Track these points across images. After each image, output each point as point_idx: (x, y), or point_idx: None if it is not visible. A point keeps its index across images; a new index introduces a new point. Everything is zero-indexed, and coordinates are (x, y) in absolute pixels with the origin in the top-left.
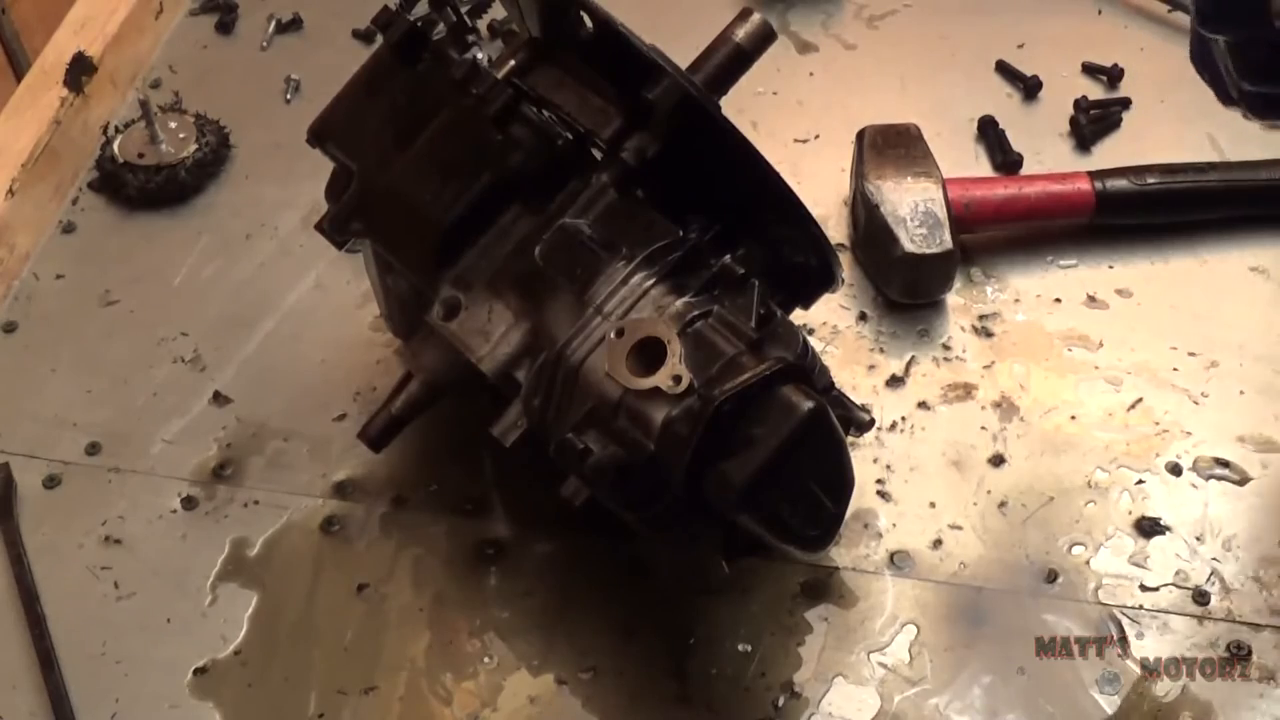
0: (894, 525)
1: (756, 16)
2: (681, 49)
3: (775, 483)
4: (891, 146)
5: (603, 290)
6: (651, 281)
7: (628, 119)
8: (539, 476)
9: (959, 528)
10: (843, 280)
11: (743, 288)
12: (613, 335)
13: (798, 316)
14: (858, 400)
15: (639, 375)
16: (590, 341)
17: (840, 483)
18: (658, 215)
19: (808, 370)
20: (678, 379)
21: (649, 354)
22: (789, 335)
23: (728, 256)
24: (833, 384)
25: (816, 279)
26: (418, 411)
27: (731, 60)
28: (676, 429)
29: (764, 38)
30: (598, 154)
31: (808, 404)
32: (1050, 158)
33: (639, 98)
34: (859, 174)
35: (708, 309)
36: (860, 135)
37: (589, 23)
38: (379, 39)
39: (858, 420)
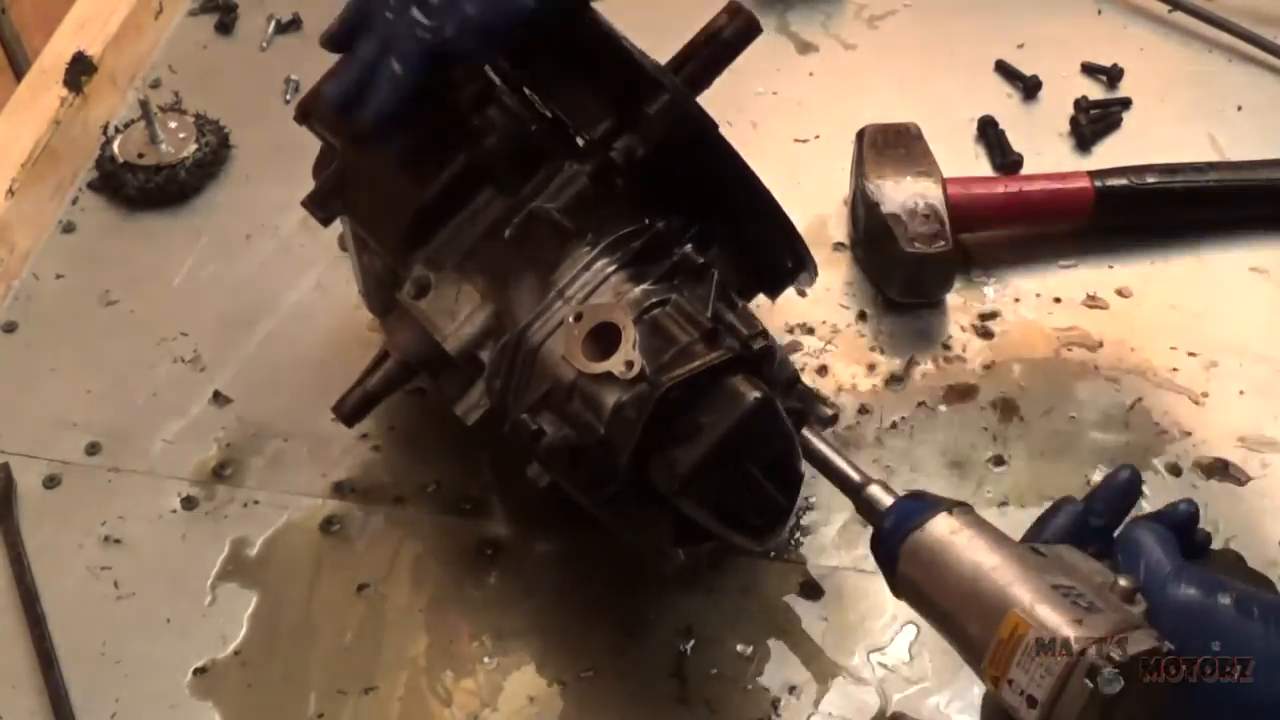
0: None
1: (742, 10)
2: (672, 40)
3: (720, 471)
4: (891, 146)
5: (566, 274)
6: (613, 268)
7: (618, 119)
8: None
9: None
10: (815, 278)
11: (702, 277)
12: (571, 319)
13: (799, 314)
14: (857, 400)
15: (594, 359)
16: (550, 324)
17: (787, 474)
18: (625, 204)
19: (758, 361)
20: (630, 364)
21: (605, 339)
22: (749, 326)
23: (689, 246)
24: (798, 377)
25: (787, 276)
26: (392, 388)
27: (716, 53)
28: (626, 413)
29: (748, 31)
30: (580, 140)
31: (754, 394)
32: (1050, 158)
33: (632, 102)
34: (859, 174)
35: (666, 297)
36: (860, 135)
37: (589, 28)
38: None
39: (820, 415)
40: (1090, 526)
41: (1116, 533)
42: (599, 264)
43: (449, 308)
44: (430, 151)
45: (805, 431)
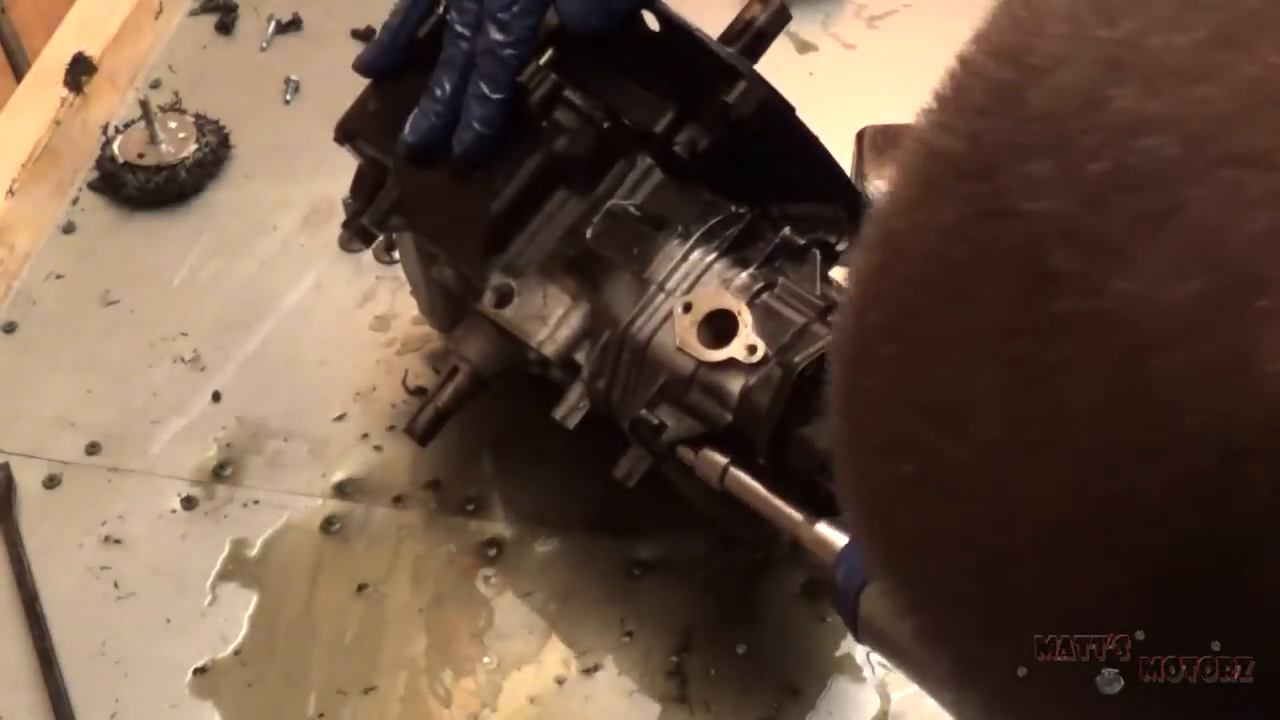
0: None
1: None
2: None
3: None
4: (892, 146)
5: (663, 268)
6: (713, 256)
7: (679, 111)
8: (602, 468)
9: None
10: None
11: (803, 258)
12: (679, 310)
13: None
14: None
15: (711, 348)
16: (656, 318)
17: None
18: (707, 192)
19: None
20: (753, 349)
21: (718, 327)
22: None
23: (787, 229)
24: None
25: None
26: (462, 403)
27: (752, 44)
28: (755, 398)
29: (780, 18)
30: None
31: None
32: None
33: (696, 92)
34: (859, 174)
35: (772, 280)
36: (860, 135)
37: (654, 23)
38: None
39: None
40: None
41: None
42: (696, 254)
43: (538, 313)
44: (498, 158)
45: (732, 468)
